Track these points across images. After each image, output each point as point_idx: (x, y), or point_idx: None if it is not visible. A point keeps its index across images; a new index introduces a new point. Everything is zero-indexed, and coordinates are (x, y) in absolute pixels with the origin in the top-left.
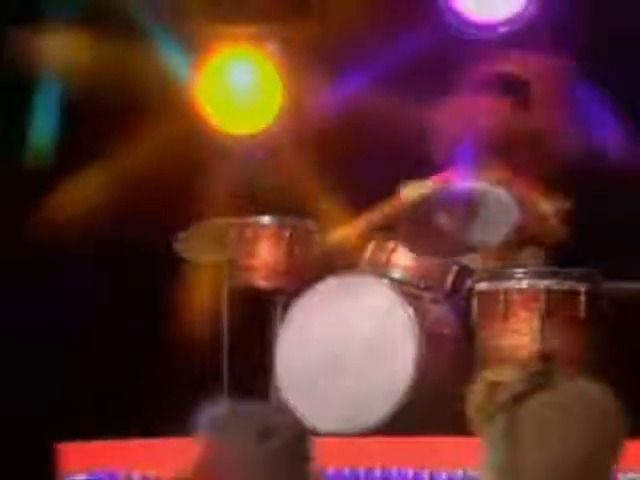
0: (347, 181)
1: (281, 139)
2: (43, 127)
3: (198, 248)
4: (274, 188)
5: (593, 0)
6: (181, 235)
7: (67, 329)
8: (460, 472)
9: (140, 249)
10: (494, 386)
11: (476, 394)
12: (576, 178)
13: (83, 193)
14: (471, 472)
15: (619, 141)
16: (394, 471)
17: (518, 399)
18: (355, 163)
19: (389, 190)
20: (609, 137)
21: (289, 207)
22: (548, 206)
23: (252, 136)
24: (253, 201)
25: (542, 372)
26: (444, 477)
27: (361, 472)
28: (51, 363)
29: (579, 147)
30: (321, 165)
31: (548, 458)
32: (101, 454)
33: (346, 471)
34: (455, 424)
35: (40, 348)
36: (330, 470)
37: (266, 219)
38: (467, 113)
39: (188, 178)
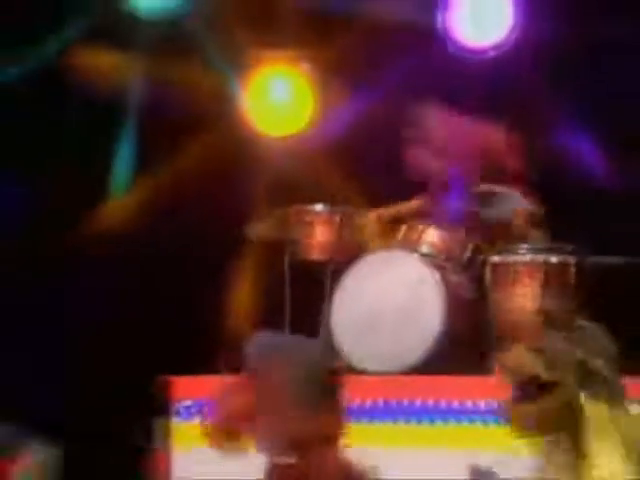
0: (362, 176)
1: (311, 141)
2: (124, 154)
3: (267, 230)
4: (305, 181)
5: (572, 24)
6: (253, 220)
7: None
8: (471, 403)
9: (210, 233)
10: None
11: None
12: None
13: (157, 185)
14: (485, 403)
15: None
16: (440, 403)
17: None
18: (369, 162)
19: (396, 185)
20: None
21: (318, 196)
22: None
23: (288, 139)
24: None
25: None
26: (469, 406)
27: (407, 404)
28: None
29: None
30: (342, 163)
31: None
32: (203, 386)
33: (387, 402)
34: (472, 366)
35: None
36: (378, 401)
37: (319, 207)
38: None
39: (237, 172)
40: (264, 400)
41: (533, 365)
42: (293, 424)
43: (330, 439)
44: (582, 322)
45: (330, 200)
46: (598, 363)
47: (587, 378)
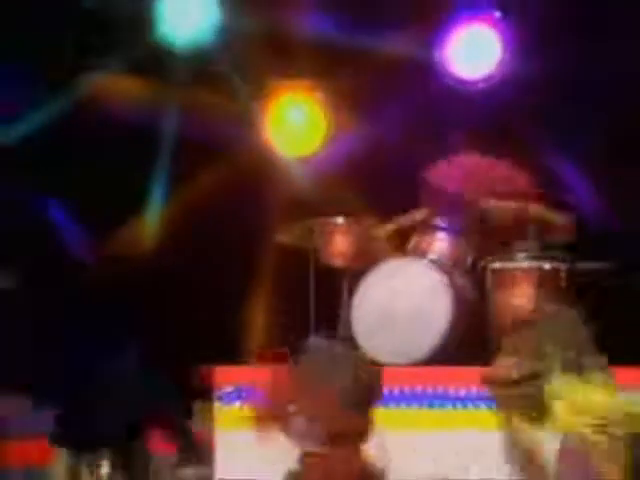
0: (369, 192)
1: (324, 161)
2: (159, 174)
3: (294, 238)
4: (318, 196)
5: (551, 61)
6: (283, 228)
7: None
8: (475, 390)
9: (240, 241)
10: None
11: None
12: None
13: (190, 200)
14: (484, 393)
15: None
16: (448, 391)
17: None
18: (375, 179)
19: (398, 199)
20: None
21: (330, 209)
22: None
23: (304, 159)
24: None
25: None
26: (473, 392)
27: (420, 391)
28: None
29: None
30: (351, 180)
31: None
32: (241, 375)
33: (402, 389)
34: (474, 358)
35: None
36: (393, 388)
37: (340, 219)
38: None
39: (259, 188)
40: (312, 399)
41: (509, 375)
42: (335, 422)
43: (361, 435)
44: (558, 311)
45: (343, 212)
46: (571, 353)
47: (564, 365)
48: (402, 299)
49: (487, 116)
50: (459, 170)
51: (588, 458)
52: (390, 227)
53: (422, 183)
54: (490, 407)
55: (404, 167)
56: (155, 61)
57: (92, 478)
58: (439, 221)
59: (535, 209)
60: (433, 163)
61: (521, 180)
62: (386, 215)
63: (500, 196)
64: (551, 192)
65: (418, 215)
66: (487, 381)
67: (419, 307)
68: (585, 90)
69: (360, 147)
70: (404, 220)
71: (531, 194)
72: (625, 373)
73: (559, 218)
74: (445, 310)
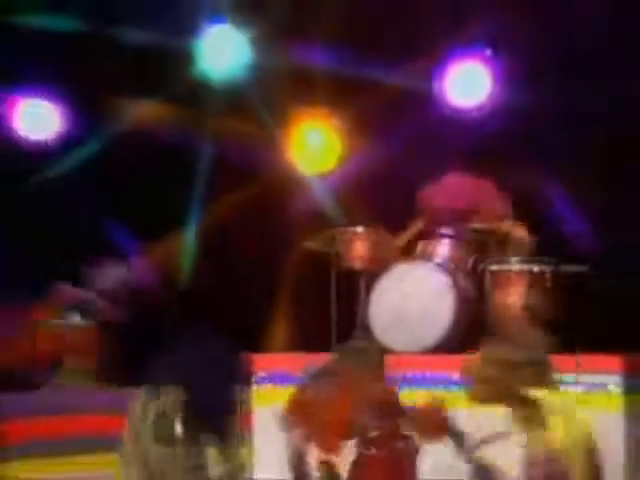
0: (377, 203)
1: (340, 178)
2: (196, 190)
3: (318, 245)
4: (334, 208)
5: (536, 93)
6: (308, 236)
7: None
8: None
9: (267, 247)
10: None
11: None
12: None
13: (226, 211)
14: None
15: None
16: (452, 375)
17: None
18: (382, 193)
19: (401, 210)
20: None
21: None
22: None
23: (322, 176)
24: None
25: None
26: None
27: (428, 375)
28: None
29: None
30: (362, 194)
31: None
32: (276, 362)
33: (413, 374)
34: (474, 347)
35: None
36: (406, 373)
37: (359, 228)
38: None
39: (283, 201)
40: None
41: (481, 371)
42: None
43: (403, 437)
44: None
45: (359, 222)
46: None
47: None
48: (412, 297)
49: (479, 140)
50: (445, 189)
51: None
52: (402, 236)
53: (417, 199)
54: None
55: (406, 183)
56: (194, 93)
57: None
58: (443, 230)
59: (506, 226)
60: (428, 181)
61: (497, 199)
62: (390, 223)
63: (479, 212)
64: (525, 210)
65: (420, 224)
66: (464, 371)
67: (427, 304)
68: (566, 119)
69: (369, 166)
70: (411, 229)
71: (504, 211)
72: (595, 359)
73: (523, 234)
74: (449, 307)
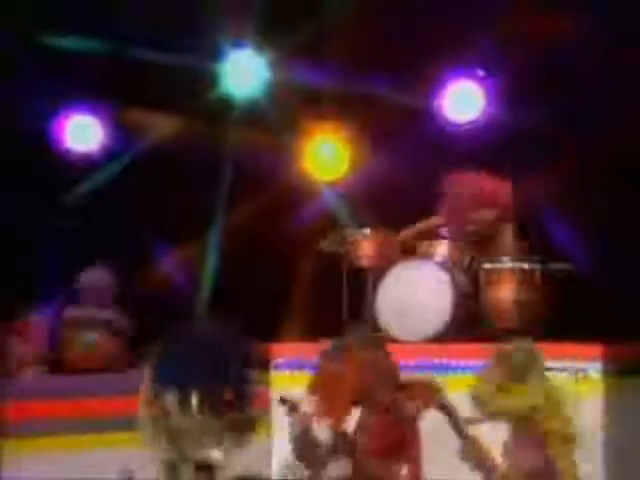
0: (382, 207)
1: (349, 185)
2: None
3: (331, 244)
4: (345, 211)
5: (524, 109)
6: (324, 238)
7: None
8: (471, 361)
9: (286, 246)
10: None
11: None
12: None
13: (249, 215)
14: (478, 363)
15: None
16: (450, 362)
17: None
18: (386, 198)
19: (404, 213)
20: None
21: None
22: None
23: (333, 183)
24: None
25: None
26: (471, 364)
27: (428, 362)
28: None
29: None
30: (370, 199)
31: None
32: (292, 349)
33: (415, 362)
34: (469, 337)
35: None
36: (409, 361)
37: (366, 229)
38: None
39: (298, 205)
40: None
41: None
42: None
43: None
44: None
45: (366, 224)
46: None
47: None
48: (414, 292)
49: (472, 152)
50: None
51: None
52: (403, 235)
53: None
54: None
55: (408, 189)
56: (218, 109)
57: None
58: (442, 231)
59: (499, 229)
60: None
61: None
62: (394, 225)
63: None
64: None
65: (434, 221)
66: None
67: (428, 298)
68: (553, 135)
69: (375, 174)
70: (413, 229)
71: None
72: (578, 348)
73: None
74: (448, 301)
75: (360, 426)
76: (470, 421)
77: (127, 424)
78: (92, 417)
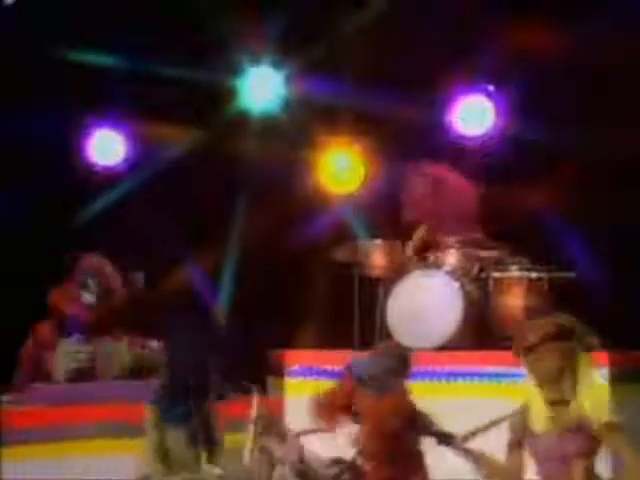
0: (394, 218)
1: (363, 196)
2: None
3: (344, 255)
4: (359, 221)
5: (533, 125)
6: (337, 248)
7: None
8: (481, 368)
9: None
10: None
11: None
12: None
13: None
14: (487, 370)
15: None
16: (460, 369)
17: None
18: (398, 209)
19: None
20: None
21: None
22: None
23: (348, 194)
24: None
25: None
26: (478, 370)
27: (439, 369)
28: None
29: None
30: (382, 209)
31: None
32: (306, 357)
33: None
34: (479, 345)
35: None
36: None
37: (378, 240)
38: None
39: (313, 216)
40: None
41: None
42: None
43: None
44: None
45: (379, 234)
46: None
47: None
48: (425, 301)
49: (483, 165)
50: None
51: None
52: (411, 244)
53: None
54: (490, 381)
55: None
56: (238, 123)
57: None
58: (451, 240)
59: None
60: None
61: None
62: (406, 236)
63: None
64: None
65: (421, 232)
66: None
67: (438, 307)
68: (561, 148)
69: (388, 186)
70: (415, 237)
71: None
72: None
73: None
74: (458, 309)
75: (365, 453)
76: (467, 437)
77: (114, 431)
78: (78, 424)
